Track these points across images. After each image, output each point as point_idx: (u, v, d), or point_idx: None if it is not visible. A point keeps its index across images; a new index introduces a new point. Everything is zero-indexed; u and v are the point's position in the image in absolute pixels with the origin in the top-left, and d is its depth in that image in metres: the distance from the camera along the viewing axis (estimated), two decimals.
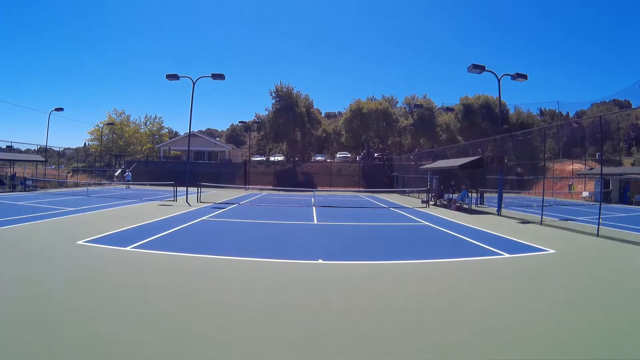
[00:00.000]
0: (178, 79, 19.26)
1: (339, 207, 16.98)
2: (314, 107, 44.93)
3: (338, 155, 48.81)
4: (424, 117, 40.89)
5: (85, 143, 58.78)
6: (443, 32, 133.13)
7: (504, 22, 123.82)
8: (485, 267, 6.09)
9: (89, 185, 26.78)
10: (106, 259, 6.02)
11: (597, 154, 32.82)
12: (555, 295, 4.60)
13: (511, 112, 45.14)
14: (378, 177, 37.91)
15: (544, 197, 13.37)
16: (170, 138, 57.03)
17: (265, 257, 6.32)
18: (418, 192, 23.73)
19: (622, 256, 7.23)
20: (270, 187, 32.94)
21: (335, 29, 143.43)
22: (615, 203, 22.94)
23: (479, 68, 16.27)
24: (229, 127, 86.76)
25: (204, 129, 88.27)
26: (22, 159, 28.43)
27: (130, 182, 31.67)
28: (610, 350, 3.13)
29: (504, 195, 17.53)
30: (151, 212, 13.01)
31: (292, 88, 40.64)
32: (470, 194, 16.50)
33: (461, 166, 16.36)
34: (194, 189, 19.65)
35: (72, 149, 52.51)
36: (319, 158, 48.14)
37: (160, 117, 65.83)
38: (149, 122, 57.06)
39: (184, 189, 18.46)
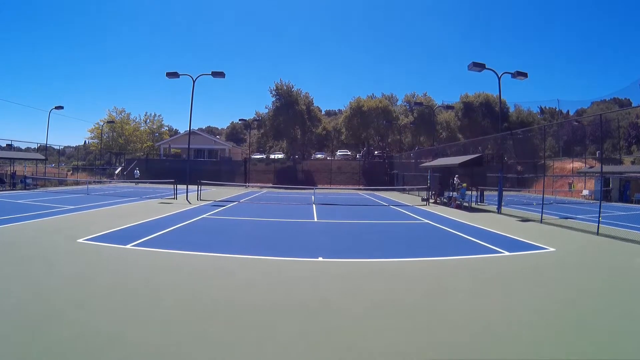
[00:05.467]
0: (178, 76, 19.23)
1: (339, 205, 16.98)
2: (314, 105, 44.78)
3: (338, 153, 48.77)
4: (424, 115, 40.85)
5: (85, 141, 58.75)
6: (443, 30, 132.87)
7: (504, 20, 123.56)
8: (485, 265, 6.09)
9: (89, 183, 26.79)
10: (107, 257, 6.03)
11: (597, 152, 32.79)
12: (555, 294, 4.61)
13: (511, 110, 45.26)
14: (378, 175, 37.90)
15: (544, 195, 13.36)
16: (170, 136, 57.05)
17: (266, 255, 6.33)
18: (418, 190, 23.72)
19: (622, 254, 7.23)
20: (271, 184, 32.90)
21: (335, 27, 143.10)
22: (615, 201, 22.95)
23: (479, 66, 16.23)
24: (229, 125, 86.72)
25: (204, 127, 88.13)
26: (22, 158, 28.38)
27: (139, 180, 31.93)
28: (610, 350, 3.13)
29: (504, 193, 17.53)
30: (151, 210, 13.02)
31: (292, 86, 40.56)
32: (470, 192, 16.49)
33: (461, 164, 16.33)
34: (194, 187, 19.67)
35: (72, 147, 52.66)
36: (319, 156, 48.14)
37: (160, 115, 65.68)
38: (149, 120, 57.19)
39: (184, 186, 18.48)
